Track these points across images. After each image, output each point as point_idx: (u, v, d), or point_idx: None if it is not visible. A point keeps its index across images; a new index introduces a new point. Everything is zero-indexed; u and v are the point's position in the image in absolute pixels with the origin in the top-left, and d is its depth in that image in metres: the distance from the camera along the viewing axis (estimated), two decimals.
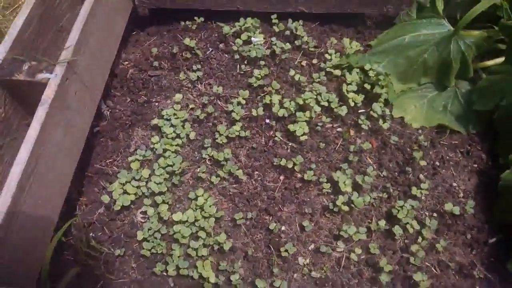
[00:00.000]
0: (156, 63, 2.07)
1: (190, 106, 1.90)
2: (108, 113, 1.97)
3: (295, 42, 2.10)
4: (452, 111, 1.94)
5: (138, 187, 1.67)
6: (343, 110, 1.87)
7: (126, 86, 2.04)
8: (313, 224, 1.66)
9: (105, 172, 1.79)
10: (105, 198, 1.64)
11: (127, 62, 2.13)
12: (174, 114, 1.82)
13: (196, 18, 2.17)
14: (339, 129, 1.91)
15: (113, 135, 1.89)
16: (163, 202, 1.64)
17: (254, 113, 1.84)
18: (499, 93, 1.77)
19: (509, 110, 1.74)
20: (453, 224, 1.71)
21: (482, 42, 1.86)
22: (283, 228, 1.58)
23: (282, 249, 1.55)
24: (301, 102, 1.84)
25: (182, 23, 2.18)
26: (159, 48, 2.12)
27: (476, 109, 1.86)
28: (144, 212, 1.64)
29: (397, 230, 1.63)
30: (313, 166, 1.76)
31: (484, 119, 1.91)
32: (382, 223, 1.65)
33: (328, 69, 2.00)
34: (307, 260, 1.59)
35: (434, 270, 1.62)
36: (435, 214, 1.73)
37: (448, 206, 1.70)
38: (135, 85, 2.03)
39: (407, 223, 1.64)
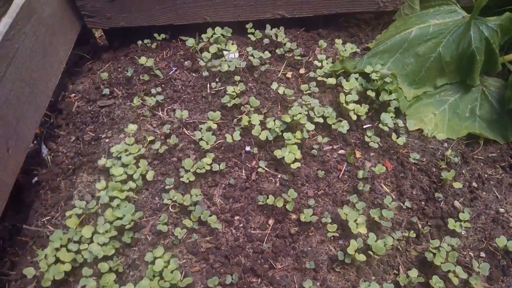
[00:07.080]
0: (107, 91, 1.68)
1: (149, 139, 1.49)
2: (49, 157, 1.56)
3: (277, 51, 1.72)
4: (482, 115, 1.53)
5: (77, 251, 1.22)
6: (344, 126, 1.45)
7: (72, 123, 1.65)
8: (318, 283, 1.20)
9: (40, 234, 1.36)
10: (29, 272, 1.20)
11: (74, 95, 1.75)
12: (126, 150, 1.41)
13: (156, 35, 1.81)
14: (341, 151, 1.48)
15: (54, 185, 1.48)
16: (110, 270, 1.19)
17: (229, 139, 1.42)
18: None
19: None
20: (510, 265, 1.24)
21: (510, 24, 1.46)
22: None
23: None
24: (288, 120, 1.42)
25: (140, 42, 1.82)
26: (112, 73, 1.74)
27: None
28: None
29: (436, 282, 1.16)
30: (312, 202, 1.32)
31: None
32: (414, 273, 1.19)
33: (319, 78, 1.61)
34: None
35: None
36: (482, 254, 1.27)
37: (500, 242, 1.24)
38: (82, 120, 1.63)
39: (449, 270, 1.17)
